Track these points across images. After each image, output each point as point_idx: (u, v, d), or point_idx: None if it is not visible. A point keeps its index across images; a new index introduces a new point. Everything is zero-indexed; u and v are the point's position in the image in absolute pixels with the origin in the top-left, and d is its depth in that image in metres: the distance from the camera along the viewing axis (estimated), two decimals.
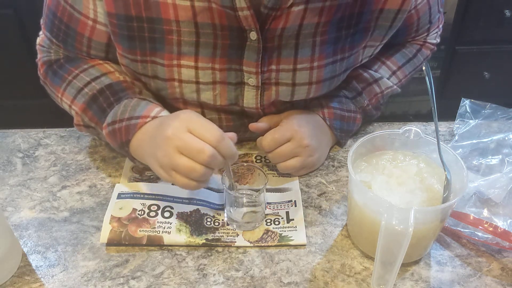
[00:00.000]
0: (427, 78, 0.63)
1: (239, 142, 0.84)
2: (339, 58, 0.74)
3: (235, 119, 0.82)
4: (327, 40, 0.71)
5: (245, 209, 0.70)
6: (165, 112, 0.71)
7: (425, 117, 0.90)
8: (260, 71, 0.72)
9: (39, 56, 0.82)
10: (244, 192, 0.72)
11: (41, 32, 0.81)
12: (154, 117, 0.69)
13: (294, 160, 0.75)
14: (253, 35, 0.68)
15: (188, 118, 0.63)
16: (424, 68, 0.65)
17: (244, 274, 0.65)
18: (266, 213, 0.72)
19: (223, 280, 0.64)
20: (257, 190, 0.72)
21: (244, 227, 0.70)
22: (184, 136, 0.61)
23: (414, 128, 0.67)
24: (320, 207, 0.74)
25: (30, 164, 0.82)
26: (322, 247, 0.68)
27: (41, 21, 0.79)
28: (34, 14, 0.79)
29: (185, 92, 0.74)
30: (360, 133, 0.90)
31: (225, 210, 0.72)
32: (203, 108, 0.79)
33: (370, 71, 0.85)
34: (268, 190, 0.76)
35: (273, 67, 0.72)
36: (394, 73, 0.87)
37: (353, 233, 0.69)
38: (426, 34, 0.89)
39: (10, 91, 1.89)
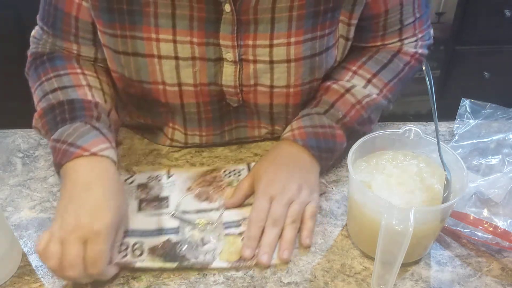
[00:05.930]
0: (427, 78, 0.63)
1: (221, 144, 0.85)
2: (319, 35, 0.73)
3: (215, 110, 0.80)
4: (305, 15, 0.70)
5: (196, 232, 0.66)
6: (108, 151, 0.68)
7: (425, 117, 0.89)
8: (236, 45, 0.72)
9: (30, 47, 0.83)
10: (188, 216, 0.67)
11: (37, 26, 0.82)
12: (93, 153, 0.66)
13: (288, 228, 0.69)
14: (227, 7, 0.68)
15: (100, 226, 0.60)
16: (424, 68, 0.65)
17: (244, 274, 0.65)
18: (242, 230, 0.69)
19: (223, 280, 0.64)
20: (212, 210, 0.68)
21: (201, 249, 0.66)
22: (77, 241, 0.59)
23: (414, 128, 0.67)
24: (320, 207, 0.74)
25: (30, 164, 0.82)
26: (322, 247, 0.68)
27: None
28: (35, 15, 0.80)
29: (165, 70, 0.74)
30: None
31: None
32: (182, 94, 0.76)
33: (340, 82, 0.80)
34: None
35: (250, 42, 0.72)
36: (369, 81, 0.80)
37: (353, 233, 0.69)
38: (397, 39, 0.83)
39: (11, 92, 1.89)
